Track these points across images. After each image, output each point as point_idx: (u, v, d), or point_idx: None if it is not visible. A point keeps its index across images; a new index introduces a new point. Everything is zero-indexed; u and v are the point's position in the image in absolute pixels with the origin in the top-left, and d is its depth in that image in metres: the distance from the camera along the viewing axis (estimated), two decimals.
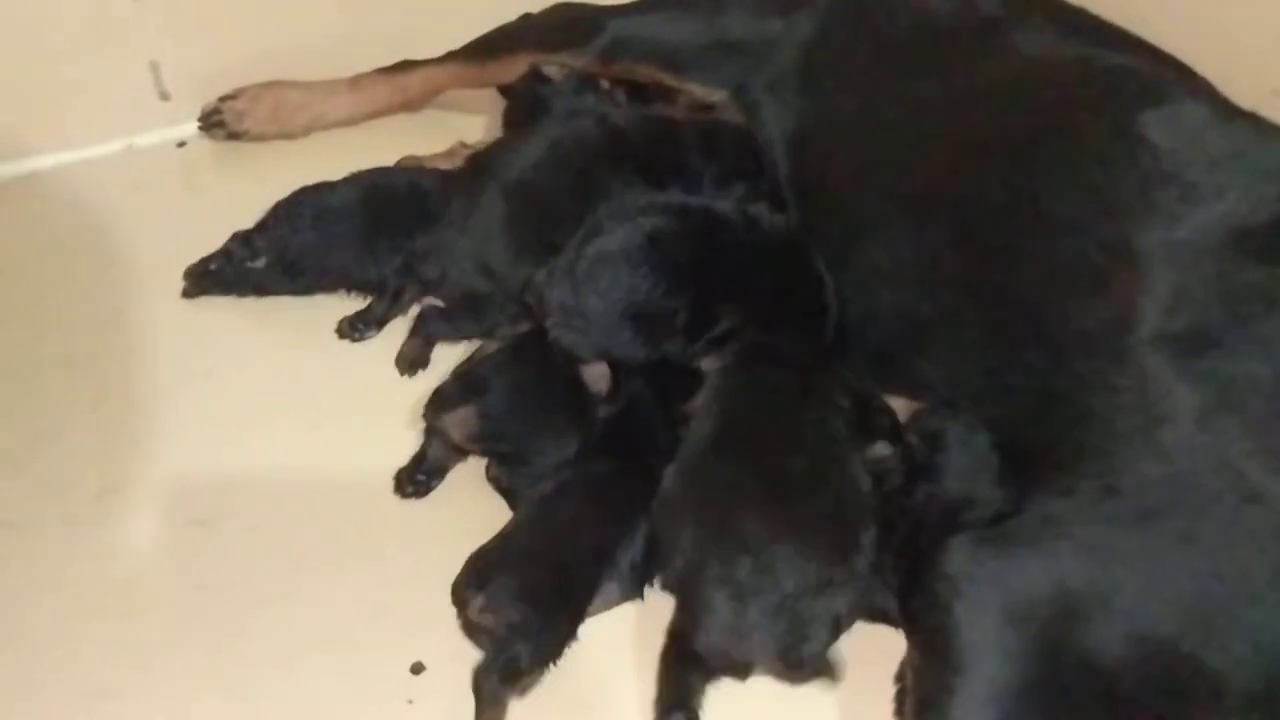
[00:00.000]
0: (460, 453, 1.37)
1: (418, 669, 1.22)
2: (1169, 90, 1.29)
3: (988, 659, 1.05)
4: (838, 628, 1.13)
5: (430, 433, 1.37)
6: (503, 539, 1.24)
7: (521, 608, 1.16)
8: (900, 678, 1.15)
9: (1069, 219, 1.22)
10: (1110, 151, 1.24)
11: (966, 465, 1.19)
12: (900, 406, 1.28)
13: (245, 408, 1.48)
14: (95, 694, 1.20)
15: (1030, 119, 1.33)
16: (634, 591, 1.25)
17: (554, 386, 1.35)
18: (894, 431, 1.25)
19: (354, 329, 1.52)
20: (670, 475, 1.22)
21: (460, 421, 1.33)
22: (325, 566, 1.31)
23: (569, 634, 1.19)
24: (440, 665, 1.21)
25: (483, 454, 1.36)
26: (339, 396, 1.49)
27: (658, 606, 1.23)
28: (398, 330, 1.55)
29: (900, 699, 1.14)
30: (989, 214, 1.29)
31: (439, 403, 1.35)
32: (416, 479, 1.36)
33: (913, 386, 1.30)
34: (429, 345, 1.50)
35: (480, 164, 1.58)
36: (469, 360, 1.43)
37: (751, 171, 1.54)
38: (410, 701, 1.20)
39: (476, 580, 1.19)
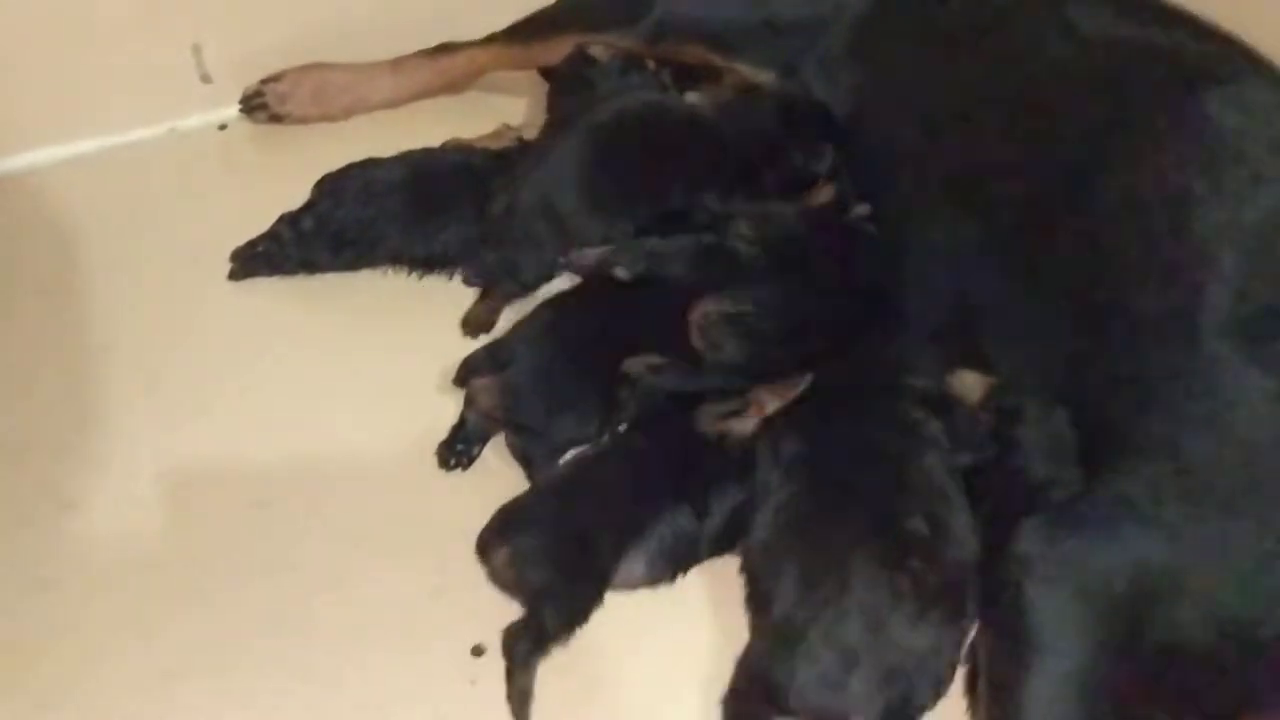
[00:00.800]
0: (498, 421, 1.37)
1: (479, 651, 1.22)
2: (1233, 68, 1.27)
3: (1063, 639, 1.04)
4: (940, 688, 1.11)
5: (468, 401, 1.37)
6: (535, 494, 1.26)
7: (545, 570, 1.17)
8: (971, 658, 1.14)
9: (1134, 200, 1.22)
10: (1174, 131, 1.23)
11: (1046, 442, 1.17)
12: (975, 382, 1.26)
13: (298, 389, 1.48)
14: (161, 676, 1.20)
15: (1091, 99, 1.31)
16: (663, 575, 1.25)
17: (581, 366, 1.35)
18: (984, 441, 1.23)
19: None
20: (765, 524, 1.18)
21: (483, 390, 1.35)
22: (384, 548, 1.31)
23: (595, 598, 1.19)
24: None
25: (504, 424, 1.36)
26: (392, 376, 1.48)
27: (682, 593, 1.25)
28: (450, 302, 1.54)
29: (971, 679, 1.14)
30: (1050, 196, 1.28)
31: (467, 370, 1.38)
32: (457, 449, 1.36)
33: (978, 363, 1.29)
34: (495, 310, 1.50)
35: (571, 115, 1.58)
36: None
37: (837, 134, 1.52)
38: (473, 682, 1.20)
39: (501, 532, 1.20)
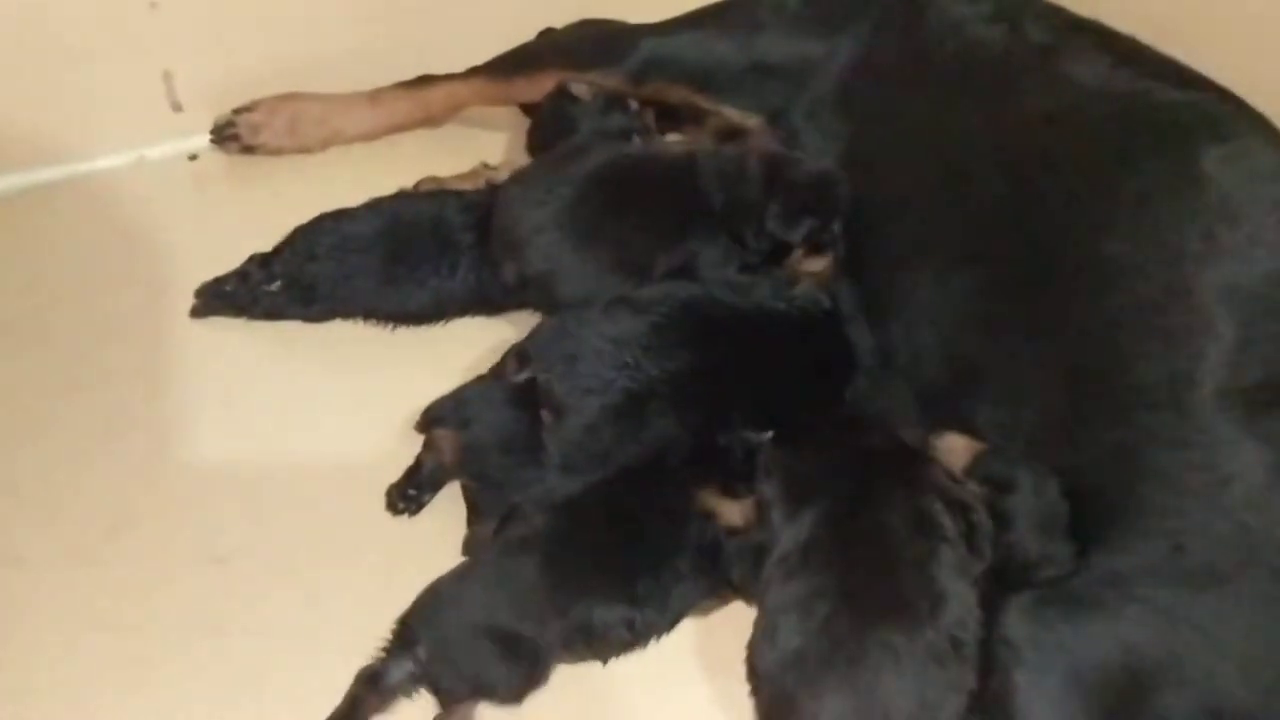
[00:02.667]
0: (457, 471, 1.33)
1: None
2: (1232, 126, 1.24)
3: None
4: None
5: (427, 447, 1.34)
6: (457, 583, 1.18)
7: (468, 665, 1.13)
8: None
9: (1128, 261, 1.18)
10: (1172, 190, 1.20)
11: (1039, 513, 1.13)
12: (961, 447, 1.21)
13: (259, 434, 1.44)
14: None
15: (1086, 154, 1.28)
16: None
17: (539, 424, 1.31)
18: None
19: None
20: (790, 628, 1.08)
21: (445, 440, 1.32)
22: (346, 607, 1.26)
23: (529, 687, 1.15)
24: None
25: (464, 476, 1.33)
26: (355, 421, 1.44)
27: None
28: (416, 345, 1.52)
29: None
30: (1042, 253, 1.25)
31: (429, 418, 1.34)
32: (408, 493, 1.32)
33: (964, 429, 1.25)
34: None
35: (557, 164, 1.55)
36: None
37: (824, 209, 1.46)
38: None
39: (420, 624, 1.14)
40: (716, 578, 1.21)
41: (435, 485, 1.33)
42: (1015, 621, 1.04)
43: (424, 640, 1.13)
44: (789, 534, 1.13)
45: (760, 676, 1.09)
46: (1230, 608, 1.01)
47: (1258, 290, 1.11)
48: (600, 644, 1.17)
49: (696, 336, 1.33)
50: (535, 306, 1.51)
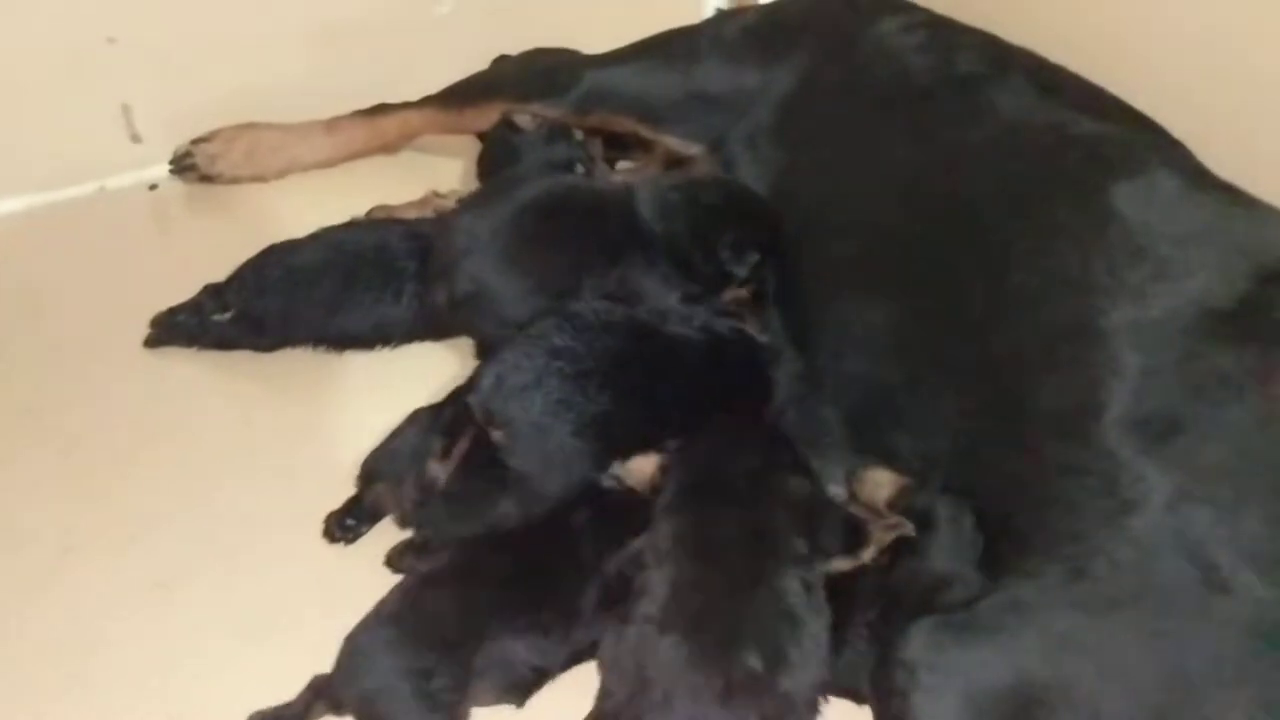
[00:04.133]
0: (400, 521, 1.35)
1: None
2: (1143, 160, 1.27)
3: None
4: None
5: (365, 481, 1.36)
6: (374, 628, 1.19)
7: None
8: None
9: (1036, 294, 1.21)
10: (1080, 224, 1.22)
11: (952, 545, 1.16)
12: (886, 481, 1.25)
13: (208, 462, 1.46)
14: None
15: (1002, 187, 1.31)
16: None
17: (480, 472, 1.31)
18: (852, 543, 1.21)
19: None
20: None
21: (384, 496, 1.34)
22: (291, 634, 1.27)
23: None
24: None
25: (408, 524, 1.34)
26: (302, 450, 1.47)
27: None
28: (364, 372, 1.54)
29: None
30: (958, 284, 1.28)
31: (366, 476, 1.36)
32: (345, 524, 1.35)
33: (888, 456, 1.28)
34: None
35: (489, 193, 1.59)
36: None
37: (769, 245, 1.50)
38: None
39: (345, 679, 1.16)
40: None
41: (374, 518, 1.36)
42: (915, 644, 1.06)
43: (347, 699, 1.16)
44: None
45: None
46: (1123, 634, 1.02)
47: (1160, 324, 1.13)
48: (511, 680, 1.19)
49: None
50: (466, 331, 1.53)
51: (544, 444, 1.29)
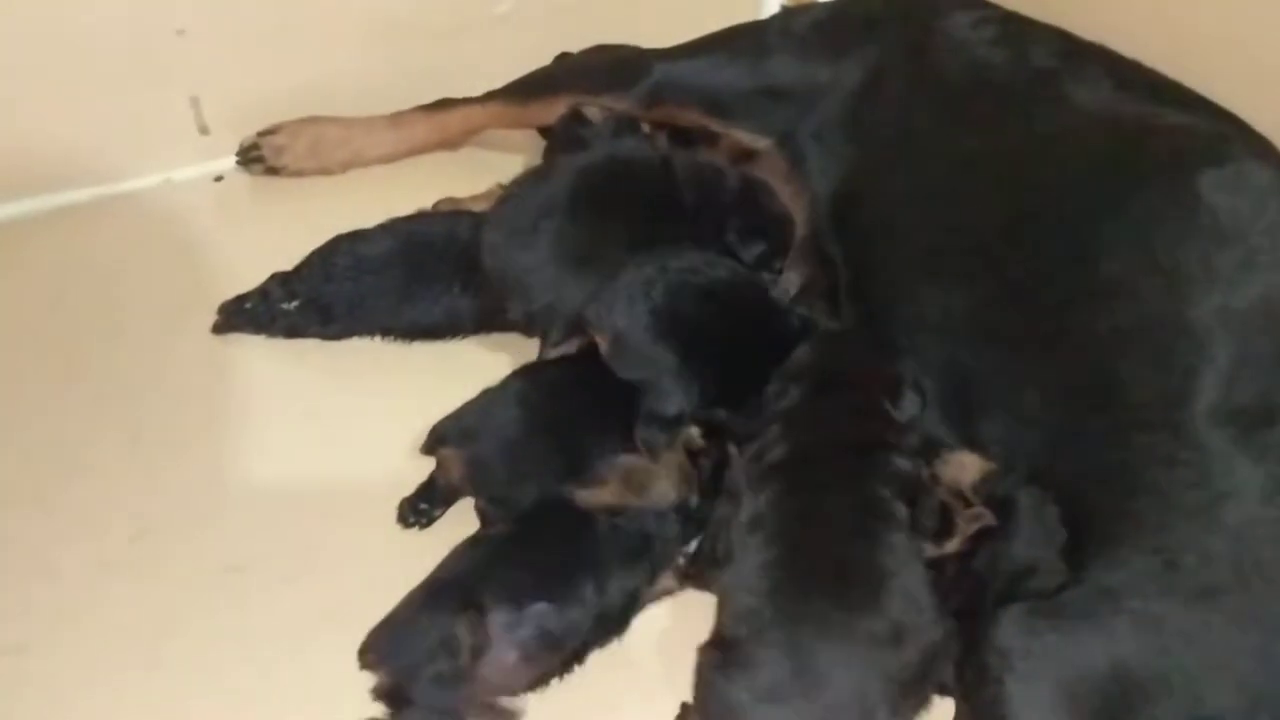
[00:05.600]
0: (463, 487, 1.35)
1: None
2: (1231, 150, 1.26)
3: None
4: None
5: (439, 464, 1.36)
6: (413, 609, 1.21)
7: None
8: None
9: (1126, 282, 1.20)
10: (1169, 212, 1.21)
11: (1035, 533, 1.15)
12: (972, 464, 1.23)
13: (277, 446, 1.47)
14: None
15: (1087, 177, 1.30)
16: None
17: (548, 436, 1.34)
18: (940, 531, 1.20)
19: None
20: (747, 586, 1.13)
21: (451, 460, 1.34)
22: (364, 616, 1.25)
23: None
24: None
25: (474, 494, 1.35)
26: (371, 436, 1.47)
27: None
28: (432, 360, 1.55)
29: None
30: (1043, 273, 1.27)
31: (434, 439, 1.36)
32: (419, 508, 1.35)
33: (973, 443, 1.27)
34: None
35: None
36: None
37: (775, 241, 1.53)
38: None
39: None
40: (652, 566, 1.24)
41: (447, 501, 1.36)
42: (1008, 631, 1.05)
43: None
44: (746, 508, 1.18)
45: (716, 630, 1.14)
46: (1221, 622, 1.02)
47: (1251, 312, 1.13)
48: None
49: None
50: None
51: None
